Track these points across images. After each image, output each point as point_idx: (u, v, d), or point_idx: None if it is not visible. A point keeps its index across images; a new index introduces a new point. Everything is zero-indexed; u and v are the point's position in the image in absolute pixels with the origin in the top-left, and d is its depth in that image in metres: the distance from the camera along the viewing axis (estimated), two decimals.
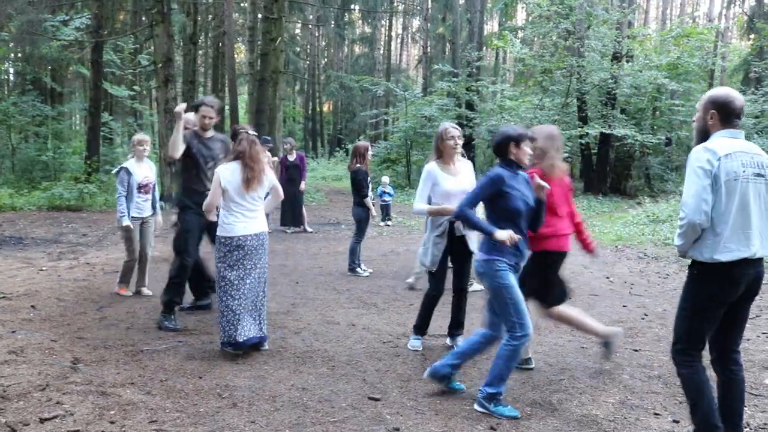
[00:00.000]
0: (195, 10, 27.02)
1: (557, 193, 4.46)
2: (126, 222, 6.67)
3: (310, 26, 40.97)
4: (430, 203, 5.01)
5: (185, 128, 5.68)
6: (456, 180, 5.00)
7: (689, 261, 3.28)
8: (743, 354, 4.94)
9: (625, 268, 9.26)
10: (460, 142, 5.06)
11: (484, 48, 29.71)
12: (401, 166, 27.04)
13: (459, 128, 5.15)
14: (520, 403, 4.02)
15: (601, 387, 4.37)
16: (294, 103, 48.46)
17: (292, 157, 12.63)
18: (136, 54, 23.42)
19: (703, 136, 3.25)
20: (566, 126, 21.61)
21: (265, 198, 5.06)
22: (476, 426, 3.69)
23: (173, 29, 18.96)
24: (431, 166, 5.02)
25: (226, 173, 4.82)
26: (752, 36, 28.46)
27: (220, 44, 30.43)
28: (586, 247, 4.82)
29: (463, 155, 5.20)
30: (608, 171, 21.88)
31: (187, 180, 5.85)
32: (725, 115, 3.17)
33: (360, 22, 45.98)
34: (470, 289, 6.45)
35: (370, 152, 8.55)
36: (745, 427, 3.66)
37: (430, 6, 36.62)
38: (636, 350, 5.25)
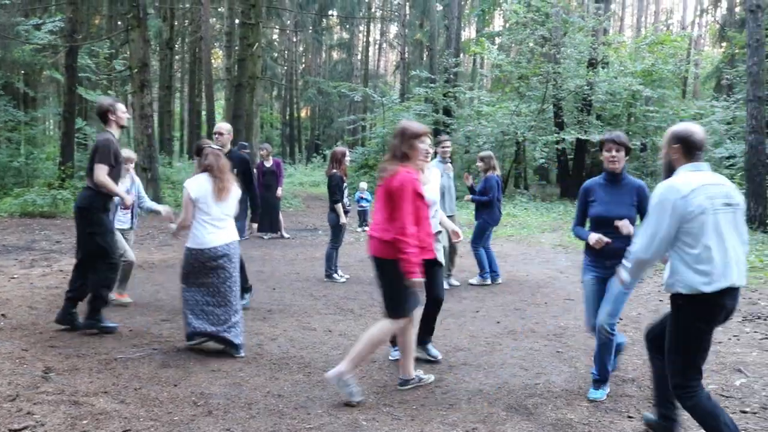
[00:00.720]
0: (171, 14, 26.89)
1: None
2: None
3: (288, 32, 40.95)
4: None
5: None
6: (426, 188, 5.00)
7: (669, 294, 3.28)
8: (715, 357, 5.03)
9: None
10: (432, 150, 5.09)
11: (462, 54, 29.89)
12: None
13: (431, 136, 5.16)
14: (495, 408, 4.05)
15: (576, 391, 4.40)
16: (271, 109, 48.33)
17: (268, 163, 12.59)
18: (112, 59, 23.18)
19: (669, 169, 3.35)
20: (543, 132, 21.87)
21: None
22: (452, 431, 3.70)
23: (149, 34, 18.84)
24: None
25: (194, 185, 4.98)
26: (724, 44, 29.02)
27: (197, 49, 30.27)
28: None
29: (445, 160, 5.20)
30: (584, 176, 22.06)
31: None
32: (687, 148, 3.26)
33: (338, 27, 45.95)
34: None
35: (347, 158, 8.54)
36: None
37: (407, 12, 36.85)
38: None
